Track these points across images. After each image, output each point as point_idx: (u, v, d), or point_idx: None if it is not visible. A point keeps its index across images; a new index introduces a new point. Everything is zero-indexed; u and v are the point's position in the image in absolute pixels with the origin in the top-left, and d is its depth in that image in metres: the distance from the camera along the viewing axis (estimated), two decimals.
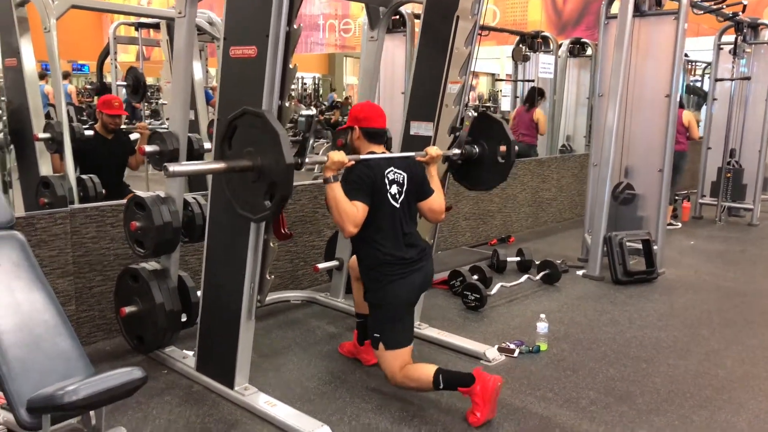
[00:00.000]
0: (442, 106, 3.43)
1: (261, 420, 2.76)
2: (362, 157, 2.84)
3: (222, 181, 2.65)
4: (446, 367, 2.85)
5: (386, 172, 2.85)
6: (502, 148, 3.40)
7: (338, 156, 2.70)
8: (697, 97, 10.66)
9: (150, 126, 6.22)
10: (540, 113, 7.39)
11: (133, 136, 5.07)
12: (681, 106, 6.55)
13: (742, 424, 2.85)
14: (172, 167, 2.36)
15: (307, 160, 2.65)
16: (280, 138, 2.39)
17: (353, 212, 2.70)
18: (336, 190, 2.68)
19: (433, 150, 3.08)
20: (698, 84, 12.57)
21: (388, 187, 2.84)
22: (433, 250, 3.78)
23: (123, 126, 4.90)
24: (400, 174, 2.91)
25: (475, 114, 3.45)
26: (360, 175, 2.78)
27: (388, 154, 2.96)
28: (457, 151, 3.40)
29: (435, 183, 3.07)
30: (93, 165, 4.53)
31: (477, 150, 3.46)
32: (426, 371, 2.79)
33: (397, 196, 2.88)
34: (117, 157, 4.69)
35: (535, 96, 7.39)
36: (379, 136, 2.96)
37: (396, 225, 2.87)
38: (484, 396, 2.70)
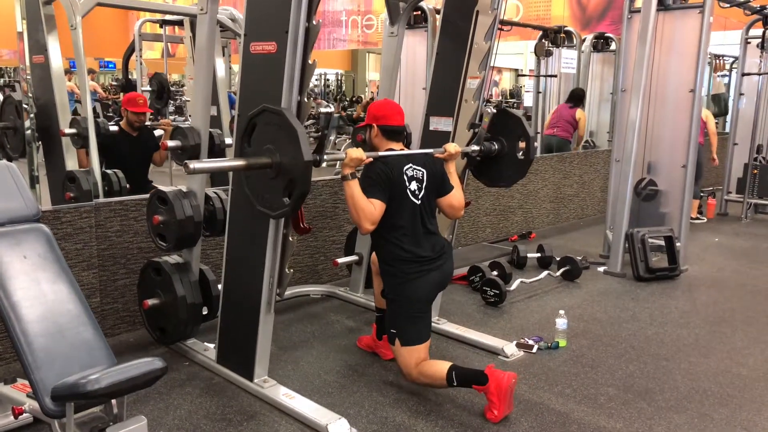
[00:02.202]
0: (461, 102, 3.43)
1: (279, 412, 2.80)
2: (381, 153, 2.85)
3: (241, 178, 2.69)
4: (464, 362, 2.87)
5: (405, 168, 2.86)
6: (522, 144, 3.39)
7: (356, 153, 2.71)
8: (718, 108, 10.47)
9: (174, 122, 6.29)
10: (582, 113, 7.32)
11: (158, 132, 5.14)
12: None
13: (765, 422, 2.81)
14: (193, 164, 2.39)
15: (325, 157, 2.67)
16: (298, 135, 2.41)
17: (370, 210, 2.72)
18: (354, 188, 2.70)
19: (451, 147, 3.09)
20: (725, 79, 12.36)
21: (407, 183, 2.85)
22: (452, 246, 3.79)
23: (147, 123, 4.97)
24: (420, 170, 2.91)
25: (495, 110, 3.43)
26: (378, 173, 2.79)
27: (406, 151, 2.97)
28: (476, 147, 3.39)
29: (454, 179, 3.08)
30: (118, 161, 4.61)
31: (496, 146, 3.44)
32: (440, 368, 2.80)
33: (417, 192, 2.88)
34: (141, 153, 4.77)
35: (581, 96, 7.36)
36: (397, 133, 2.97)
37: (416, 222, 2.88)
38: (499, 394, 2.71)
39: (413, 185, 2.87)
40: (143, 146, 4.76)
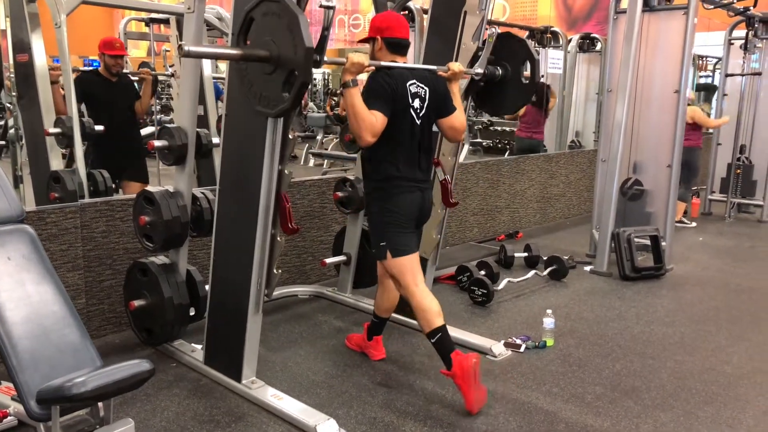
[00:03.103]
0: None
1: (268, 413, 2.79)
2: (384, 63, 2.75)
3: (238, 76, 2.57)
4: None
5: (409, 84, 2.79)
6: (527, 69, 3.32)
7: (358, 57, 2.60)
8: (706, 92, 10.58)
9: (160, 121, 6.25)
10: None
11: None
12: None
13: (749, 420, 2.84)
14: (188, 47, 2.27)
15: (325, 58, 2.49)
16: (299, 21, 2.28)
17: (371, 121, 2.63)
18: (355, 96, 2.60)
19: (455, 65, 3.00)
20: (709, 80, 12.48)
21: (410, 100, 2.78)
22: (439, 246, 3.79)
23: (126, 71, 4.94)
24: (423, 88, 2.84)
25: (498, 32, 3.35)
26: (382, 84, 2.70)
27: (410, 65, 2.88)
28: (479, 70, 3.30)
29: (457, 100, 3.00)
30: (99, 107, 4.57)
31: (500, 71, 3.36)
32: (434, 315, 2.79)
33: (419, 110, 2.82)
34: (122, 99, 4.73)
35: (546, 95, 7.37)
36: (402, 46, 2.88)
37: (414, 141, 2.83)
38: (464, 377, 2.71)
39: (416, 102, 2.80)
40: (123, 92, 4.73)
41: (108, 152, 4.62)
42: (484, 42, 3.32)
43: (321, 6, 2.40)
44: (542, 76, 7.95)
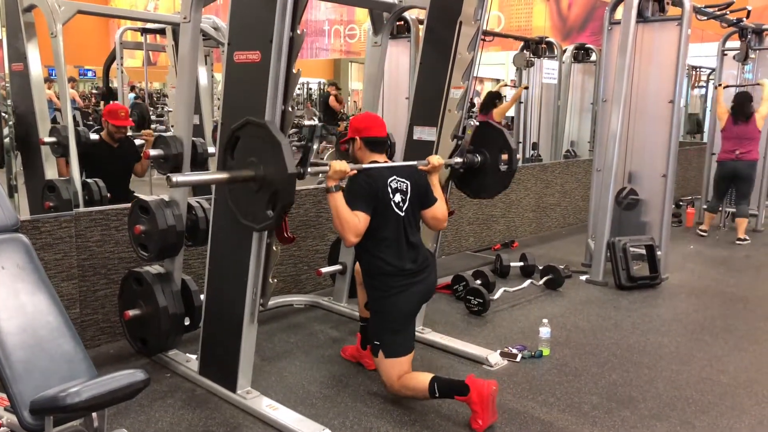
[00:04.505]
0: (445, 111, 3.45)
1: (263, 423, 2.77)
2: (364, 166, 2.86)
3: (225, 191, 2.67)
4: (449, 372, 2.87)
5: (389, 180, 2.87)
6: (504, 156, 3.42)
7: (340, 165, 2.71)
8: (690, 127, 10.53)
9: (156, 131, 6.24)
10: (497, 113, 7.35)
11: (138, 142, 5.09)
12: (751, 112, 6.46)
13: (745, 430, 2.84)
14: (176, 177, 2.38)
15: (309, 169, 2.67)
16: (282, 148, 2.41)
17: (354, 222, 2.71)
18: (338, 200, 2.70)
19: (435, 159, 3.11)
20: (702, 90, 12.56)
21: (391, 195, 2.86)
22: (435, 256, 3.79)
23: (129, 133, 4.94)
24: (404, 182, 2.92)
25: (477, 123, 3.46)
26: (362, 185, 2.80)
27: (390, 163, 2.98)
28: (459, 159, 3.42)
29: (438, 191, 3.10)
30: (98, 172, 4.56)
31: (479, 158, 3.48)
32: (422, 380, 2.80)
33: (401, 204, 2.89)
34: (122, 164, 4.72)
35: (493, 101, 7.42)
36: (379, 144, 2.98)
37: (400, 234, 2.88)
38: (482, 403, 2.71)
39: (397, 197, 2.88)
40: (124, 157, 4.72)
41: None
42: (464, 131, 3.44)
43: (304, 126, 2.49)
44: (527, 87, 7.92)
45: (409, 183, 2.94)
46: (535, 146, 8.19)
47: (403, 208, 2.89)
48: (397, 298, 2.86)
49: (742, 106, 6.51)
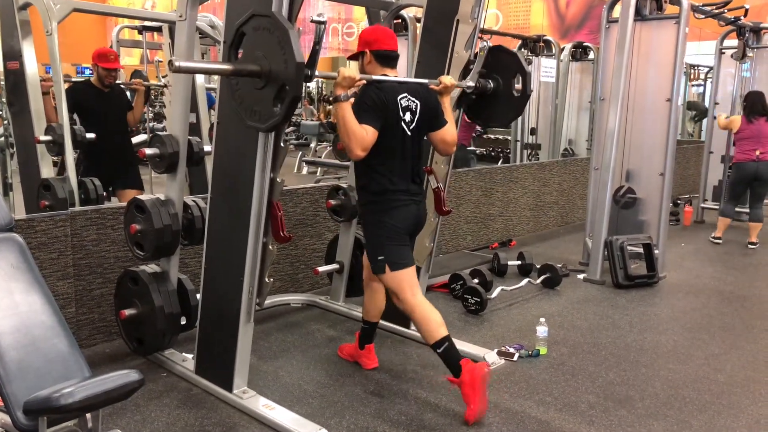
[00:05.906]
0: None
1: (259, 423, 2.76)
2: (375, 77, 2.76)
3: (229, 91, 2.57)
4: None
5: (399, 97, 2.80)
6: (518, 82, 3.32)
7: (349, 71, 2.61)
8: (696, 111, 10.58)
9: (152, 129, 6.23)
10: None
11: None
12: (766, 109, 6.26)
13: (742, 429, 2.84)
14: (178, 62, 2.27)
15: (317, 72, 2.52)
16: (290, 36, 2.28)
17: (362, 135, 2.63)
18: (346, 110, 2.60)
19: (447, 79, 3.01)
20: (701, 89, 12.57)
21: (401, 113, 2.79)
22: (433, 254, 3.78)
23: (119, 81, 4.93)
24: (414, 101, 2.85)
25: (489, 45, 3.36)
26: (373, 98, 2.71)
27: (401, 78, 2.89)
28: (471, 83, 3.31)
29: (448, 114, 3.02)
30: (91, 117, 4.53)
31: (491, 84, 3.38)
32: (436, 327, 2.79)
33: (410, 123, 2.83)
34: (115, 109, 4.70)
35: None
36: (391, 58, 2.89)
37: (406, 153, 2.84)
38: (473, 384, 2.69)
39: (407, 116, 2.81)
40: (115, 102, 4.70)
41: (100, 162, 4.59)
42: (475, 55, 3.33)
43: (312, 21, 2.41)
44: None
45: (419, 103, 2.86)
46: (533, 131, 8.15)
47: (412, 128, 2.83)
48: (398, 211, 2.84)
49: (756, 104, 6.28)
